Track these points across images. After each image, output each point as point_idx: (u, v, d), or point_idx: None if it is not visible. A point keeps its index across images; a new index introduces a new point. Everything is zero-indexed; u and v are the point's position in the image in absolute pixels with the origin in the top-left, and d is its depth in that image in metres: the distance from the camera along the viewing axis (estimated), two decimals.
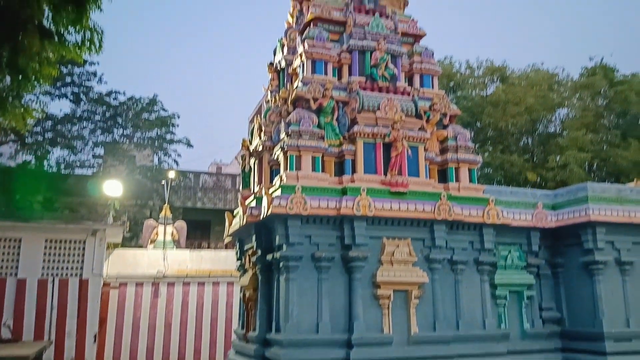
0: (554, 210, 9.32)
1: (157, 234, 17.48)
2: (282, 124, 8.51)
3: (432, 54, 9.82)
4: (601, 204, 8.79)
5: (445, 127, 9.32)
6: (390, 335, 7.69)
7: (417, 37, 9.99)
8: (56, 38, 5.88)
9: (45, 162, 17.87)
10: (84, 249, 12.94)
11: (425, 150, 8.81)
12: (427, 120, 9.18)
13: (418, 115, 8.89)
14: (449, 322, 8.13)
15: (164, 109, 22.52)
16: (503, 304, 8.72)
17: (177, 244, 17.52)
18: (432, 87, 9.71)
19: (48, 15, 5.69)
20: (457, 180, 8.87)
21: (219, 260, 15.87)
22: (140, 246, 18.83)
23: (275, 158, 8.75)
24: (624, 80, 22.92)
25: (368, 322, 7.66)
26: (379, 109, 8.53)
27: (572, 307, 9.04)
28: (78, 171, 20.31)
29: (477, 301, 8.44)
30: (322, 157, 8.31)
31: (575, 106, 23.34)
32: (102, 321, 13.75)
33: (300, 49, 9.14)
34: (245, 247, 9.36)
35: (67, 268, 12.81)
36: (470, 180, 8.95)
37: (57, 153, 20.01)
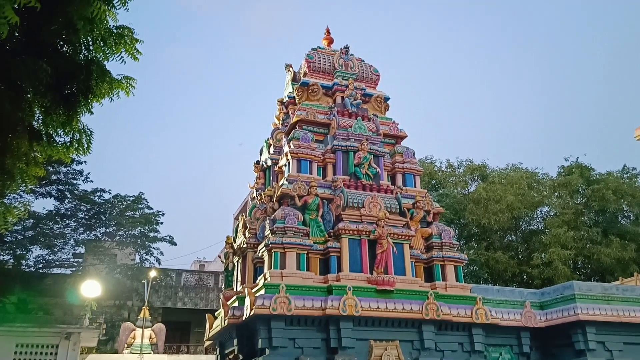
0: (542, 309, 9.18)
1: (134, 337, 16.70)
2: (267, 221, 8.51)
3: (414, 154, 10.15)
4: (589, 302, 8.70)
5: (429, 224, 9.40)
6: None
7: (399, 138, 10.37)
8: (45, 139, 5.95)
9: (22, 262, 17.38)
10: (56, 354, 12.21)
11: (411, 247, 8.80)
12: (411, 218, 9.27)
13: (402, 213, 8.99)
14: None
15: (148, 207, 22.47)
16: None
17: (154, 347, 16.70)
18: (415, 185, 9.92)
19: (38, 117, 5.80)
20: (444, 278, 8.79)
21: None
22: (116, 350, 17.89)
23: (259, 256, 8.65)
24: (600, 179, 23.65)
25: None
26: (363, 206, 8.63)
27: None
28: (57, 271, 19.73)
29: None
30: (307, 254, 8.24)
31: (555, 204, 23.81)
32: None
33: (286, 149, 9.39)
34: (226, 351, 8.94)
35: None
36: (457, 279, 8.87)
37: (36, 252, 19.55)
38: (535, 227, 24.24)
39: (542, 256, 20.74)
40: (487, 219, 21.75)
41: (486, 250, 21.87)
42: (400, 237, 8.58)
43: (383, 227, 8.38)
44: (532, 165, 44.56)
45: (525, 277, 21.44)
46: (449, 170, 25.51)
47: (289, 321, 7.44)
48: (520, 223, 23.84)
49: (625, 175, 24.47)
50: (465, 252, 18.54)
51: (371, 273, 8.17)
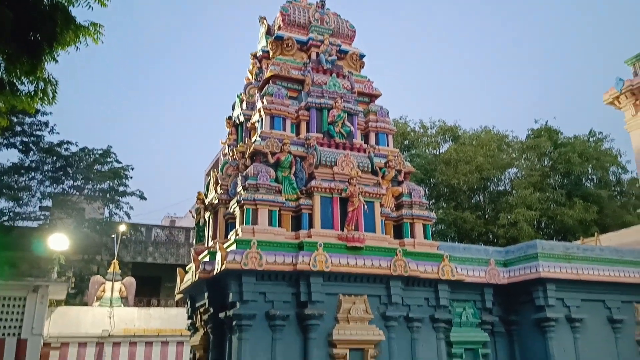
0: (506, 267, 9.50)
1: (103, 290, 16.68)
2: (239, 177, 8.46)
3: (387, 113, 10.14)
4: (550, 261, 9.03)
5: (400, 183, 9.50)
6: None
7: (373, 97, 10.32)
8: (8, 88, 5.72)
9: None
10: (23, 306, 12.14)
11: (381, 206, 8.90)
12: (383, 177, 9.34)
13: (374, 172, 9.04)
14: None
15: (117, 161, 22.07)
16: None
17: (124, 301, 16.73)
18: (387, 144, 9.95)
19: (0, 64, 5.55)
20: (412, 236, 8.96)
21: (169, 318, 15.22)
22: (85, 304, 17.88)
23: (231, 212, 8.64)
24: (567, 142, 24.22)
25: None
26: (336, 164, 8.64)
27: None
28: (23, 224, 19.38)
29: None
30: (279, 211, 8.27)
31: (523, 166, 24.37)
32: None
33: (259, 105, 9.26)
34: (197, 305, 9.03)
35: (4, 327, 11.94)
36: (425, 236, 9.06)
37: (1, 204, 19.11)
38: (503, 188, 24.82)
39: (508, 216, 21.34)
40: (456, 180, 22.14)
41: (454, 210, 22.36)
42: (371, 195, 8.66)
43: (355, 185, 8.44)
44: (503, 127, 45.19)
45: (491, 236, 22.09)
46: (421, 130, 25.70)
47: (260, 276, 7.53)
48: (489, 184, 24.36)
49: (591, 139, 25.09)
50: (434, 212, 18.90)
51: (342, 230, 8.26)
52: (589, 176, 24.40)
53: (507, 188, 24.62)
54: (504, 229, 21.09)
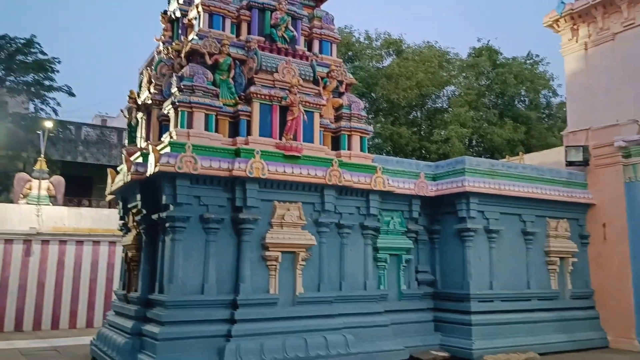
0: (435, 180, 9.94)
1: (30, 188, 16.07)
2: (174, 77, 8.10)
3: (333, 20, 9.84)
4: (476, 176, 9.53)
5: (340, 95, 9.46)
6: (276, 296, 7.83)
7: (319, 1, 9.93)
8: None
9: None
10: None
11: (321, 116, 8.89)
12: (324, 87, 9.25)
13: (315, 81, 8.91)
14: (333, 283, 8.45)
15: (42, 52, 20.48)
16: (383, 267, 9.24)
17: (53, 200, 16.26)
18: (331, 54, 9.76)
19: None
20: (349, 148, 9.10)
21: (101, 218, 15.02)
22: (11, 201, 17.25)
23: (165, 113, 8.36)
24: (505, 63, 24.75)
25: (255, 284, 7.73)
26: (277, 71, 8.42)
27: (445, 270, 9.80)
28: None
29: (360, 264, 8.84)
30: (216, 116, 8.08)
31: (461, 84, 24.84)
32: None
33: (197, 0, 8.69)
34: (129, 206, 8.93)
35: None
36: (361, 149, 9.22)
37: None
38: (440, 105, 25.35)
39: (442, 133, 22.01)
40: (396, 95, 22.33)
41: (392, 125, 22.77)
42: (311, 105, 8.60)
43: (296, 94, 8.32)
44: (446, 44, 45.26)
45: (424, 151, 22.84)
46: (366, 42, 25.30)
47: (195, 180, 7.48)
48: (427, 100, 24.77)
49: (528, 62, 25.70)
50: (373, 126, 19.16)
51: (280, 139, 8.24)
52: (522, 98, 25.32)
53: (444, 106, 25.18)
54: (437, 145, 21.83)
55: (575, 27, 11.77)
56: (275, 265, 7.90)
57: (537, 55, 25.90)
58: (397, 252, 9.43)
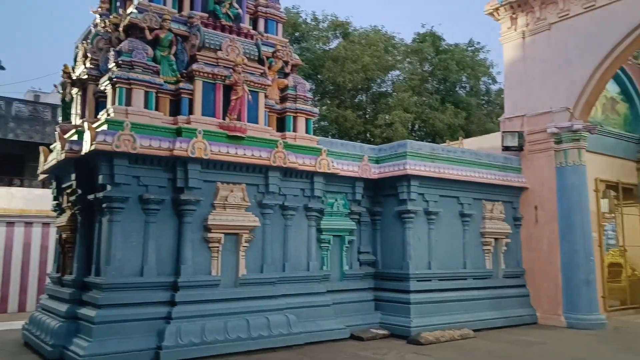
0: (378, 163, 10.10)
1: None
2: (112, 52, 7.76)
3: None
4: (417, 159, 9.75)
5: (286, 75, 9.39)
6: (218, 278, 7.76)
7: None
8: None
9: None
10: None
11: (266, 97, 8.80)
12: (270, 67, 9.15)
13: (260, 61, 8.79)
14: (276, 264, 8.47)
15: None
16: (327, 248, 9.34)
17: None
18: (277, 33, 9.65)
19: None
20: (294, 129, 9.07)
21: (33, 199, 14.31)
22: None
23: (102, 89, 8.01)
24: (448, 49, 25.31)
25: (197, 265, 7.63)
26: (220, 49, 8.23)
27: (386, 251, 10.03)
28: None
29: (304, 245, 8.90)
30: (157, 93, 7.83)
31: (405, 69, 25.20)
32: None
33: None
34: (64, 186, 8.56)
35: None
36: (307, 131, 9.22)
37: None
38: (385, 89, 25.62)
39: (386, 117, 22.32)
40: (342, 78, 22.38)
41: (338, 108, 22.85)
42: (256, 85, 8.49)
43: (240, 73, 8.18)
44: (392, 29, 45.75)
45: (369, 135, 23.09)
46: (313, 23, 25.13)
47: (134, 159, 7.24)
48: (372, 85, 24.98)
49: (470, 49, 26.38)
50: (318, 108, 19.17)
51: (224, 119, 8.10)
52: (463, 84, 26.01)
53: (389, 90, 25.50)
54: (381, 129, 22.12)
55: (514, 16, 12.16)
56: (218, 247, 7.82)
57: (479, 43, 26.67)
58: (340, 233, 9.55)
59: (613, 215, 13.66)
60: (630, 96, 13.63)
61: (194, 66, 8.00)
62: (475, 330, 9.55)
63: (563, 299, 10.63)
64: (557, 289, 10.75)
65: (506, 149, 11.61)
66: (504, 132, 11.82)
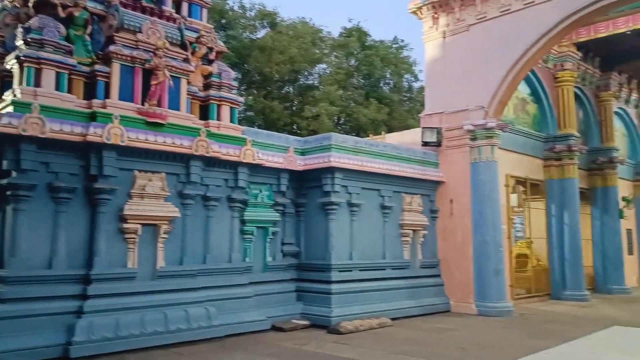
0: (303, 155, 10.13)
1: None
2: (20, 29, 7.20)
3: None
4: (341, 152, 9.88)
5: (210, 62, 9.16)
6: (134, 270, 7.47)
7: None
8: None
9: None
10: None
11: (189, 83, 8.55)
12: (193, 53, 8.88)
13: (183, 46, 8.52)
14: (196, 256, 8.29)
15: None
16: (250, 239, 9.25)
17: None
18: (201, 18, 9.38)
19: None
20: (218, 118, 8.89)
21: None
22: None
23: (8, 68, 7.43)
24: (373, 46, 25.84)
25: (112, 258, 7.30)
26: (140, 31, 7.88)
27: (309, 242, 10.10)
28: None
29: (226, 236, 8.77)
30: (69, 75, 7.37)
31: (332, 63, 25.45)
32: None
33: None
34: None
35: None
36: (231, 120, 9.06)
37: None
38: (311, 82, 25.75)
39: (313, 110, 22.45)
40: (269, 68, 22.24)
41: (264, 99, 22.68)
42: (178, 70, 8.22)
43: (161, 57, 7.88)
44: (320, 22, 46.01)
45: (295, 127, 23.13)
46: (240, 11, 24.72)
47: (43, 145, 6.78)
48: (299, 77, 25.02)
49: (394, 46, 27.07)
50: (244, 98, 18.92)
51: (143, 104, 7.78)
52: (386, 80, 26.69)
53: (316, 83, 25.66)
54: (307, 121, 22.22)
55: (436, 15, 12.59)
56: (135, 238, 7.52)
57: (402, 40, 27.53)
58: (264, 224, 9.50)
59: (521, 209, 14.59)
60: (539, 97, 14.57)
61: (112, 48, 7.61)
62: (393, 319, 9.86)
63: (474, 288, 11.22)
64: (469, 278, 11.32)
65: (425, 144, 12.04)
66: (423, 128, 12.24)
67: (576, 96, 15.43)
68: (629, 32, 13.57)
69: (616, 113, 17.53)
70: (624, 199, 17.27)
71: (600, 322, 10.04)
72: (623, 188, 17.38)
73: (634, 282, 17.65)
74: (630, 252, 17.96)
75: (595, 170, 16.25)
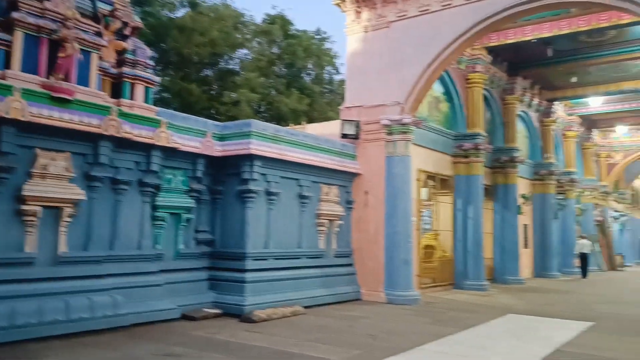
0: (221, 141, 9.91)
1: None
2: None
3: None
4: (261, 140, 9.77)
5: (125, 38, 8.68)
6: (32, 255, 6.95)
7: None
8: None
9: None
10: None
11: (100, 59, 8.06)
12: (106, 27, 8.38)
13: (95, 18, 8.02)
14: (103, 242, 7.87)
15: None
16: (161, 226, 8.93)
17: None
18: None
19: None
20: (132, 97, 8.46)
21: None
22: None
23: None
24: (296, 35, 25.78)
25: (7, 241, 6.75)
26: None
27: (225, 230, 9.92)
28: None
29: (136, 222, 8.39)
30: None
31: (254, 49, 25.10)
32: None
33: None
34: None
35: None
36: (145, 100, 8.65)
37: None
38: (232, 67, 25.26)
39: (232, 95, 22.05)
40: (188, 50, 21.54)
41: (182, 80, 21.95)
42: (89, 44, 7.72)
43: (70, 28, 7.35)
44: (242, 6, 45.15)
45: (213, 112, 22.59)
46: None
47: None
48: (220, 60, 24.45)
49: (317, 37, 27.19)
50: (161, 78, 18.16)
51: (48, 78, 7.23)
52: (308, 71, 26.77)
53: (236, 68, 25.19)
54: (226, 107, 21.79)
55: (359, 9, 12.76)
56: (34, 220, 6.99)
57: (325, 32, 27.72)
58: (178, 211, 9.20)
59: (431, 202, 15.28)
60: (451, 97, 15.28)
61: (15, 14, 6.99)
62: (306, 307, 9.96)
63: (385, 277, 11.60)
64: (380, 267, 11.69)
65: (344, 136, 12.22)
66: (343, 120, 12.41)
67: (485, 98, 16.38)
68: (534, 40, 14.58)
69: (519, 116, 18.83)
70: (522, 196, 18.66)
71: (498, 310, 10.78)
72: (522, 186, 18.77)
73: (528, 274, 19.13)
74: (526, 246, 19.44)
75: (498, 168, 17.37)
